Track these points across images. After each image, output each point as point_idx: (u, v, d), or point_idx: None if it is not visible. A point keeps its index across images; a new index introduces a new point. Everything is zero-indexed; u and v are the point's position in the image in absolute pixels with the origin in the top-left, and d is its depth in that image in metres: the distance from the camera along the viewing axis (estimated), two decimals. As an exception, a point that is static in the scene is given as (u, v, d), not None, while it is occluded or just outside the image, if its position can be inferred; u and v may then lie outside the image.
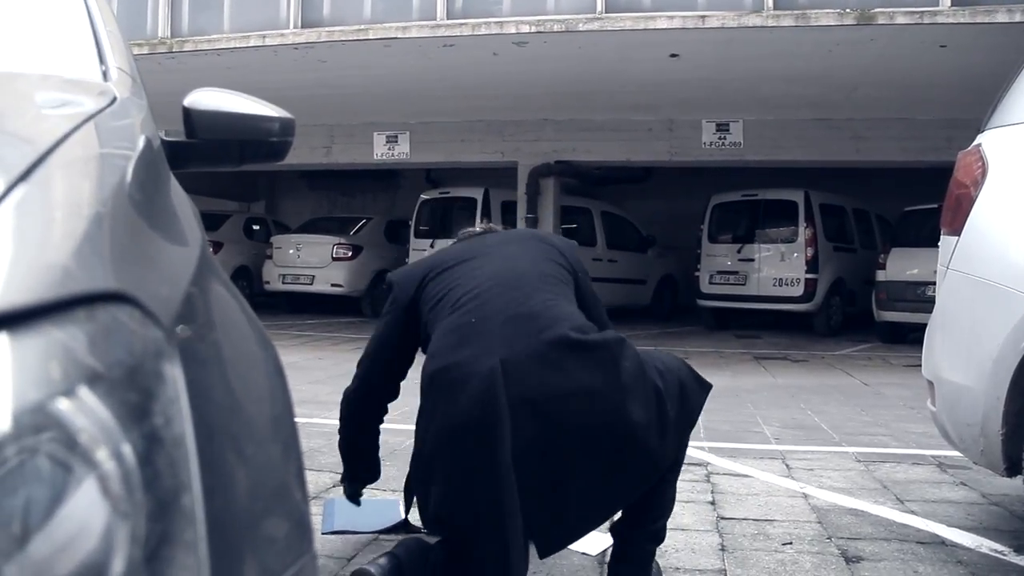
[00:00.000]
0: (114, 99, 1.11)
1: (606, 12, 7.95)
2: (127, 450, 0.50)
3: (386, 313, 2.40)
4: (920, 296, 9.69)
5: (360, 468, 2.72)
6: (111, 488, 0.48)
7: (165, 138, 1.46)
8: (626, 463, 2.04)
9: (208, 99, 1.52)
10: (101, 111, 0.94)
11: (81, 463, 0.47)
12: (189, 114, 1.49)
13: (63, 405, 0.48)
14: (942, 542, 2.80)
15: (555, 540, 2.10)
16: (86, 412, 0.49)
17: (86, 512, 0.46)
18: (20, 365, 0.48)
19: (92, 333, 0.52)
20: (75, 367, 0.50)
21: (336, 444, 2.71)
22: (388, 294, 2.42)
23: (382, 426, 2.68)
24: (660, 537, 2.31)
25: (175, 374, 0.58)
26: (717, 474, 3.71)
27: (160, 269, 0.68)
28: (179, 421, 0.56)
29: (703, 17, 7.77)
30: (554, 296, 2.15)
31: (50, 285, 0.53)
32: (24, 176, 0.63)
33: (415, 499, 2.68)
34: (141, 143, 1.00)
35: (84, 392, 0.49)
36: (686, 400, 2.15)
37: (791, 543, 2.77)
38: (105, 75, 1.33)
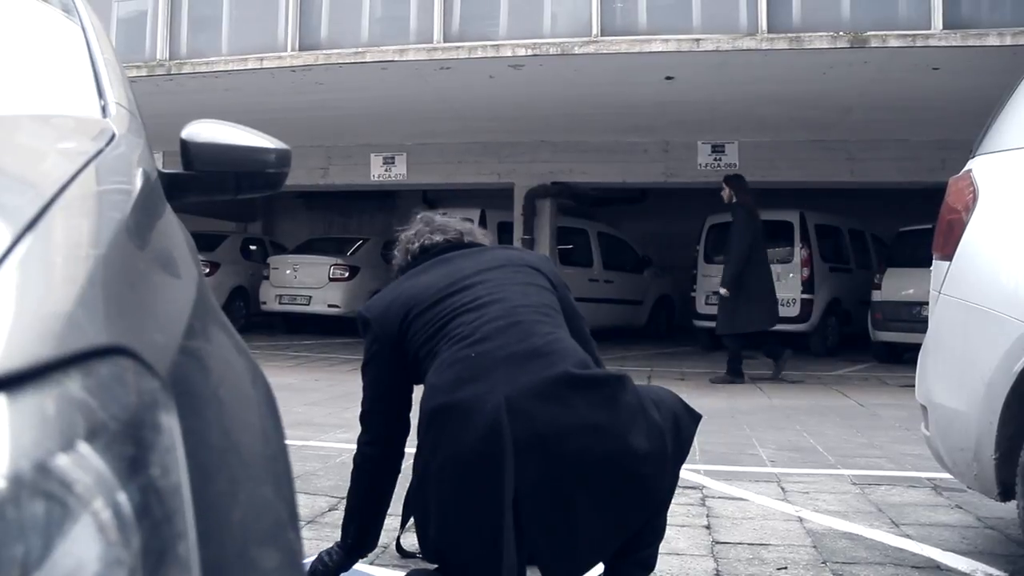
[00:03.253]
0: (113, 136, 1.12)
1: (601, 36, 8.02)
2: (124, 502, 0.51)
3: (372, 356, 2.29)
4: (916, 316, 9.70)
5: (369, 537, 2.49)
6: (108, 539, 0.49)
7: (162, 171, 1.48)
8: (629, 496, 2.06)
9: (206, 131, 1.54)
10: (101, 152, 0.96)
11: (79, 516, 0.49)
12: (187, 146, 1.51)
13: (62, 461, 0.49)
14: (937, 566, 2.81)
15: (563, 574, 2.12)
16: (84, 467, 0.50)
17: (83, 564, 0.48)
18: (18, 425, 0.49)
19: (90, 388, 0.53)
20: (74, 423, 0.51)
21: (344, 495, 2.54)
22: (365, 331, 2.30)
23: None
24: (651, 564, 2.32)
25: (171, 424, 0.59)
26: (712, 497, 3.71)
27: (158, 313, 0.70)
28: (175, 471, 0.57)
29: (698, 40, 7.83)
30: (552, 329, 2.14)
31: (49, 344, 0.54)
32: (30, 226, 0.64)
33: (413, 526, 2.68)
34: (139, 180, 1.02)
35: (83, 447, 0.50)
36: (679, 432, 2.17)
37: (786, 568, 2.77)
38: (104, 110, 1.35)
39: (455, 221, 2.55)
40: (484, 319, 2.12)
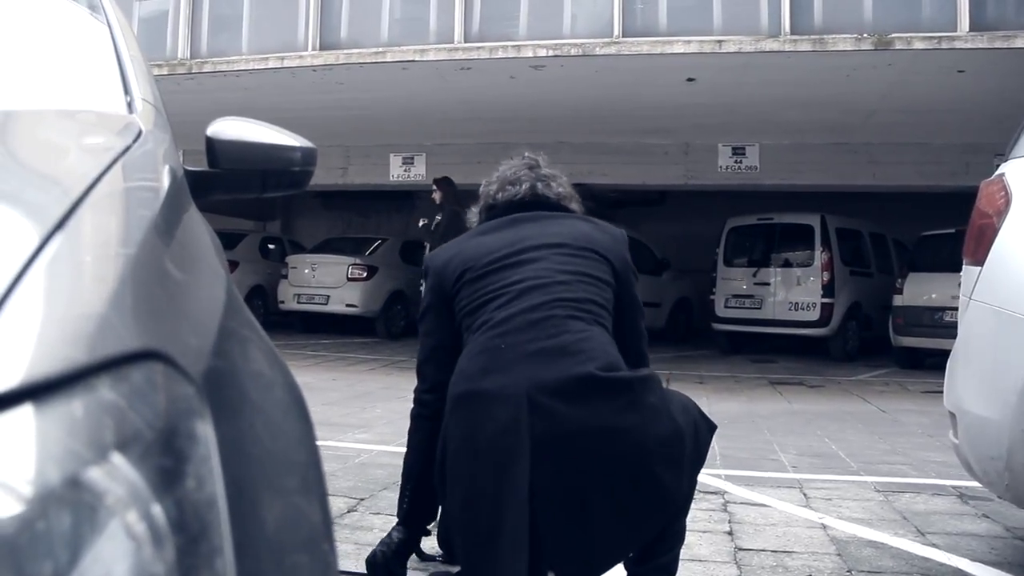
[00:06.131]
0: (140, 133, 1.10)
1: (623, 36, 7.98)
2: (159, 515, 0.48)
3: (427, 306, 2.32)
4: (938, 321, 9.62)
5: (425, 501, 2.41)
6: (141, 555, 0.47)
7: (188, 168, 1.47)
8: (645, 499, 2.03)
9: (231, 129, 1.52)
10: (128, 148, 0.94)
11: (111, 530, 0.46)
12: (212, 144, 1.49)
13: (94, 473, 0.47)
14: (965, 577, 2.76)
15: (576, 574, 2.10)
16: (118, 479, 0.47)
17: None
18: (48, 435, 0.47)
19: (123, 395, 0.50)
20: (106, 432, 0.48)
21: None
22: (425, 278, 2.34)
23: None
24: (672, 570, 2.30)
25: (207, 432, 0.57)
26: (734, 503, 3.67)
27: (189, 317, 0.67)
28: (211, 482, 0.55)
29: (720, 42, 7.78)
30: (586, 327, 2.09)
31: (80, 349, 0.52)
32: (59, 226, 0.62)
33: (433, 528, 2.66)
34: (166, 178, 1.00)
35: (116, 458, 0.48)
36: (698, 440, 2.15)
37: (811, 576, 2.73)
38: (130, 106, 1.33)
39: (539, 175, 2.43)
40: (521, 308, 2.09)
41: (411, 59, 8.36)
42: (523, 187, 2.39)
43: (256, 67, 8.82)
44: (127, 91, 1.39)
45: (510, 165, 2.46)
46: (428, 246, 8.85)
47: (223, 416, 0.59)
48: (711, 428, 2.24)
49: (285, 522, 0.64)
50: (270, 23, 9.11)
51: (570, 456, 1.95)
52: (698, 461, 2.18)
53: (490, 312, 2.12)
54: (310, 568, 0.64)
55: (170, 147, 1.32)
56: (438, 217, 8.81)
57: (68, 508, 0.45)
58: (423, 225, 9.13)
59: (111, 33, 1.62)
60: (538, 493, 1.93)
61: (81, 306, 0.56)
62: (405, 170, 12.46)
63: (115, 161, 0.83)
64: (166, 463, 0.51)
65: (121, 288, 0.59)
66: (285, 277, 13.52)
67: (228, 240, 13.94)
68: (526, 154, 2.51)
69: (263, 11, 9.20)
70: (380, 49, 8.51)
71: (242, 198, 1.67)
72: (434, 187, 8.94)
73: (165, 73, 8.97)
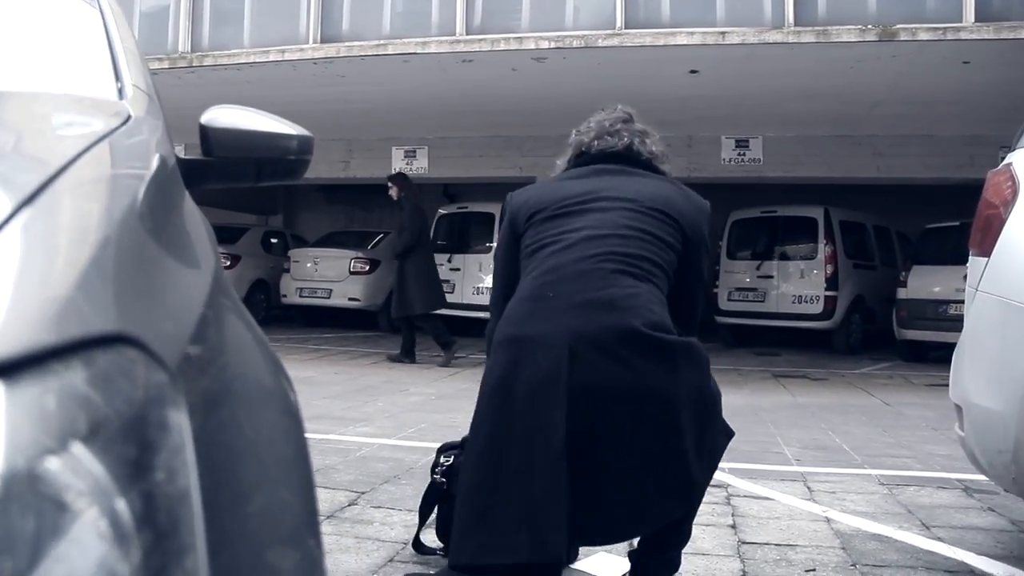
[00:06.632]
0: (128, 118, 1.08)
1: (625, 28, 7.93)
2: (123, 510, 0.45)
3: (501, 239, 2.34)
4: (942, 315, 9.59)
5: None
6: (104, 552, 0.44)
7: (181, 156, 1.44)
8: (670, 473, 1.99)
9: (225, 116, 1.50)
10: (114, 131, 0.91)
11: (72, 526, 0.43)
12: (206, 132, 1.46)
13: (56, 465, 0.44)
14: (971, 571, 2.73)
15: (580, 535, 2.06)
16: (81, 472, 0.44)
17: None
18: (13, 420, 0.44)
19: (89, 381, 0.47)
20: (73, 419, 0.46)
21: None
22: (504, 213, 2.35)
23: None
24: (675, 564, 2.29)
25: (181, 421, 0.54)
26: (738, 496, 3.64)
27: (168, 301, 0.64)
28: (183, 474, 0.52)
29: (723, 33, 7.73)
30: (636, 283, 2.04)
31: (46, 328, 0.48)
32: (30, 199, 0.59)
33: (432, 522, 2.64)
34: (155, 163, 0.97)
35: (79, 449, 0.45)
36: (716, 442, 2.14)
37: (815, 570, 2.70)
38: (121, 93, 1.31)
39: (635, 130, 2.40)
40: (573, 257, 2.07)
41: (412, 52, 8.32)
42: (621, 140, 2.35)
43: (257, 60, 8.78)
44: (118, 77, 1.36)
45: (606, 116, 2.42)
46: (395, 246, 8.96)
47: (202, 406, 0.57)
48: (729, 434, 2.22)
49: (267, 516, 0.61)
50: (271, 16, 9.07)
51: (603, 411, 1.92)
52: (715, 459, 2.16)
53: (544, 258, 2.11)
54: (294, 563, 0.61)
55: (162, 134, 1.29)
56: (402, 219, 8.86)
57: (29, 502, 0.42)
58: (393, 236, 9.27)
59: (103, 20, 1.59)
60: (569, 443, 1.90)
61: (51, 286, 0.53)
62: (407, 163, 12.41)
63: (96, 143, 0.80)
64: (134, 454, 0.48)
65: (95, 269, 0.56)
66: (287, 271, 13.51)
67: (230, 234, 13.93)
68: (619, 106, 2.48)
69: (264, 4, 9.16)
70: (381, 42, 8.47)
71: (238, 187, 1.64)
72: (390, 184, 8.94)
73: (165, 66, 8.94)
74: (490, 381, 2.03)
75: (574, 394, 1.89)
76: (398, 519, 3.11)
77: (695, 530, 2.43)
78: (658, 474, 1.99)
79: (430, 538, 2.71)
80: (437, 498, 2.63)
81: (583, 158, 2.38)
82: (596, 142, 2.36)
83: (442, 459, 2.63)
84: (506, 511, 1.92)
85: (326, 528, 2.98)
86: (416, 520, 2.75)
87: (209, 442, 0.56)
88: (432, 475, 2.66)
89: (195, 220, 1.06)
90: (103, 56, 1.44)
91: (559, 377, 1.90)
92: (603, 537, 2.14)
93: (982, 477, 2.91)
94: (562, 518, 1.88)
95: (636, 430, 1.94)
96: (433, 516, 2.67)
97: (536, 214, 2.22)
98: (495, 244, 12.55)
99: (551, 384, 1.90)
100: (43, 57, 1.43)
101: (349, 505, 3.29)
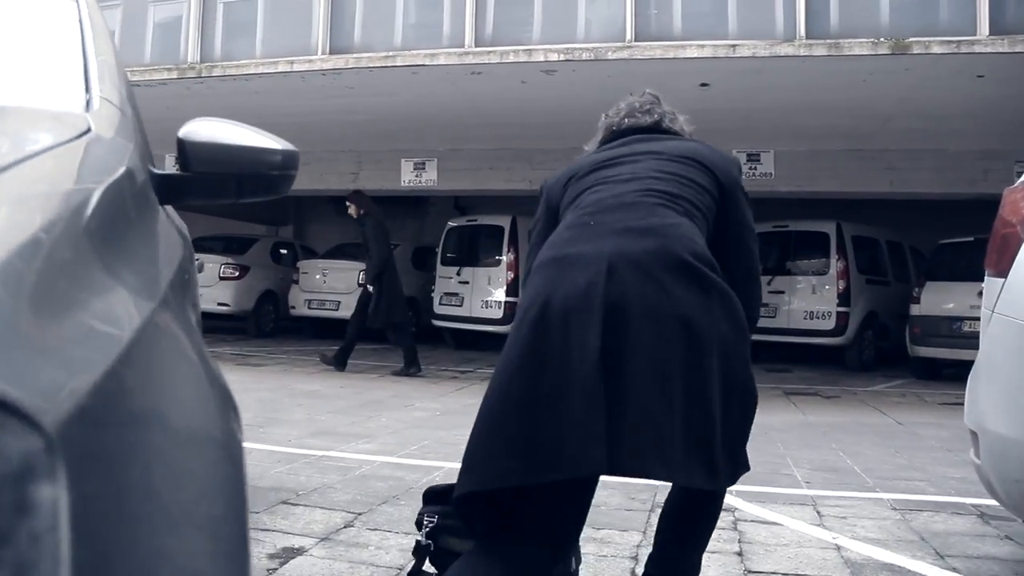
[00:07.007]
0: (86, 131, 1.01)
1: (635, 41, 7.87)
2: None
3: (536, 221, 2.30)
4: (956, 331, 9.46)
5: None
6: None
7: (154, 171, 1.37)
8: (692, 416, 1.84)
9: (204, 130, 1.43)
10: (56, 146, 0.84)
11: None
12: (183, 146, 1.40)
13: None
14: (987, 604, 2.63)
15: (612, 461, 1.95)
16: None
17: None
18: None
19: None
20: None
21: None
22: (539, 198, 2.32)
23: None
24: (696, 567, 2.28)
25: (53, 496, 0.45)
26: (745, 521, 3.55)
27: (74, 341, 0.56)
28: (50, 562, 0.43)
29: (734, 46, 7.66)
30: (677, 217, 2.00)
31: None
32: None
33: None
34: (112, 178, 0.90)
35: None
36: (738, 456, 2.09)
37: (824, 601, 2.61)
38: (88, 105, 1.24)
39: (664, 110, 2.42)
40: (613, 192, 2.06)
41: (421, 63, 8.28)
42: (652, 118, 2.38)
43: (265, 71, 8.76)
44: (87, 89, 1.29)
45: (635, 99, 2.44)
46: (367, 268, 9.07)
47: (95, 468, 0.48)
48: (746, 465, 2.15)
49: None
50: (282, 27, 9.06)
51: (635, 330, 1.81)
52: (736, 452, 2.07)
53: (585, 199, 2.10)
54: None
55: (132, 148, 1.23)
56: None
57: None
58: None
59: (81, 30, 1.53)
60: (602, 362, 1.79)
61: None
62: (416, 175, 12.38)
63: (25, 159, 0.73)
64: None
65: None
66: (296, 282, 13.48)
67: (240, 244, 13.93)
68: (647, 90, 2.49)
69: (275, 15, 9.15)
70: (390, 53, 8.43)
71: (219, 204, 1.57)
72: (348, 203, 8.98)
73: (175, 77, 8.94)
74: (524, 304, 1.95)
75: (608, 310, 1.81)
76: (394, 542, 3.03)
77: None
78: (684, 411, 1.83)
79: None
80: (423, 560, 2.50)
81: (614, 134, 2.38)
82: (626, 119, 2.38)
83: (426, 519, 2.48)
84: (543, 431, 1.80)
85: (320, 551, 2.90)
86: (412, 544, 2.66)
87: (102, 512, 0.48)
88: (417, 538, 2.51)
89: (158, 240, 0.98)
90: (75, 66, 1.37)
91: (595, 292, 1.82)
92: (631, 465, 1.96)
93: (998, 503, 2.81)
94: (602, 432, 1.77)
95: (664, 358, 1.82)
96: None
97: (573, 176, 2.23)
98: (504, 257, 12.63)
99: (586, 300, 1.82)
100: (11, 65, 1.36)
101: (345, 527, 3.21)
